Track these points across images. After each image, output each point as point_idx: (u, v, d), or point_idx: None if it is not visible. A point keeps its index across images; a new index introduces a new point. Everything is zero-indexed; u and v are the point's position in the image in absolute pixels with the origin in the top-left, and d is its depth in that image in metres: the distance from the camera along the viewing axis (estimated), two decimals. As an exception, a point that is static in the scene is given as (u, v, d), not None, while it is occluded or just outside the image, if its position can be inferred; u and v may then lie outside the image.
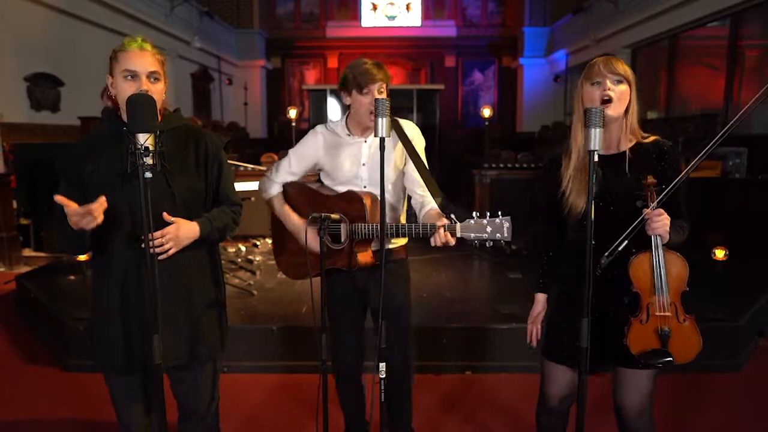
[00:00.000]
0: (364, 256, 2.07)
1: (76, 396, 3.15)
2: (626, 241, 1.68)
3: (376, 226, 1.95)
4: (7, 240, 6.15)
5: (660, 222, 1.61)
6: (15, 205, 6.33)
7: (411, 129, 2.17)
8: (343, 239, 2.06)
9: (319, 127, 2.25)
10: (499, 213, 1.78)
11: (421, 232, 1.90)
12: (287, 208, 2.21)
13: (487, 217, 1.78)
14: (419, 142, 2.15)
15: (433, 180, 1.98)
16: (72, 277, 4.58)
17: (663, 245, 1.66)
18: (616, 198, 1.76)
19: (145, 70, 1.66)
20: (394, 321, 2.15)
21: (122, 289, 1.73)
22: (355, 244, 2.05)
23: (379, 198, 2.01)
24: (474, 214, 1.80)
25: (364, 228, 2.00)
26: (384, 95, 2.07)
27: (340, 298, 2.22)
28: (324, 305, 1.92)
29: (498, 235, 1.77)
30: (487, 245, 1.81)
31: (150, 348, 1.55)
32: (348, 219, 2.05)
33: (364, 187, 2.13)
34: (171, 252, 1.70)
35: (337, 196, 2.12)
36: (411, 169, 2.10)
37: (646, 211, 1.63)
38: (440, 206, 1.95)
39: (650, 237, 1.65)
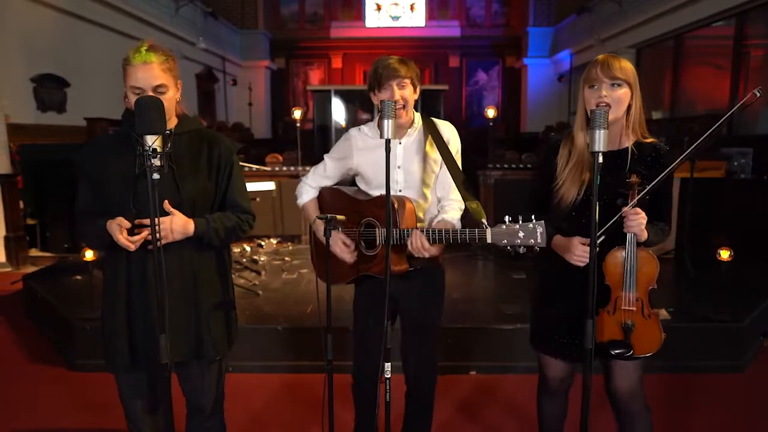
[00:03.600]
0: (398, 263, 1.98)
1: (81, 395, 3.17)
2: (603, 236, 1.74)
3: (409, 231, 1.89)
4: (13, 240, 6.19)
5: (636, 221, 1.66)
6: (22, 205, 6.38)
7: (447, 130, 2.08)
8: (377, 245, 1.99)
9: (353, 130, 2.18)
10: (533, 217, 1.66)
11: (450, 237, 1.82)
12: (315, 215, 2.15)
13: (520, 222, 1.67)
14: (454, 144, 2.06)
15: (468, 186, 1.92)
16: (78, 277, 4.61)
17: (638, 243, 1.71)
18: (606, 193, 1.78)
19: (149, 85, 1.67)
20: (422, 334, 2.14)
21: (127, 287, 1.76)
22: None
23: (413, 202, 2.00)
24: (506, 218, 1.68)
25: (396, 234, 1.90)
26: (406, 92, 1.99)
27: (370, 304, 2.15)
28: (330, 305, 1.92)
29: (531, 240, 1.65)
30: (520, 251, 1.69)
31: (154, 346, 1.57)
32: (381, 224, 1.97)
33: (399, 190, 2.04)
34: (160, 243, 1.69)
35: (370, 201, 2.04)
36: (442, 172, 2.05)
37: (624, 209, 1.68)
38: (473, 212, 1.84)
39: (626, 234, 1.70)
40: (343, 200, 2.15)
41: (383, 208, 1.96)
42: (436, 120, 2.11)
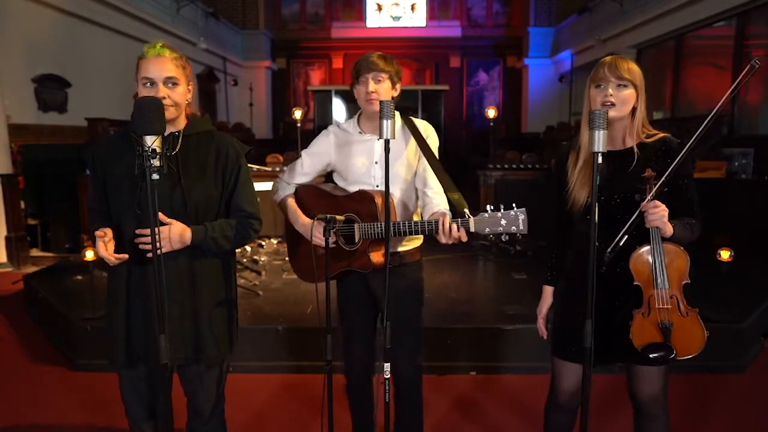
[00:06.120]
0: (378, 257, 2.01)
1: (82, 395, 3.18)
2: (627, 236, 1.69)
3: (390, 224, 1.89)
4: (15, 240, 6.20)
5: (657, 214, 1.62)
6: (23, 205, 6.39)
7: (425, 127, 2.12)
8: (356, 240, 2.01)
9: (331, 127, 2.21)
10: (514, 205, 1.70)
11: (435, 228, 1.82)
12: (297, 210, 2.17)
13: (502, 210, 1.70)
14: (433, 140, 2.10)
15: (449, 178, 1.94)
16: (79, 277, 4.62)
17: (663, 238, 1.66)
18: (617, 193, 1.77)
19: (161, 76, 1.69)
20: (404, 330, 2.13)
21: (127, 290, 1.77)
22: (369, 245, 1.99)
23: (390, 196, 2.00)
24: (488, 207, 1.71)
25: (376, 227, 1.94)
26: (382, 86, 2.01)
27: (353, 301, 2.18)
28: (329, 305, 1.92)
29: (513, 228, 1.69)
30: (503, 239, 1.73)
31: (152, 346, 1.57)
32: (360, 219, 1.99)
33: (377, 186, 2.07)
34: (160, 252, 1.70)
35: (349, 196, 2.07)
36: (422, 168, 2.07)
37: (643, 204, 1.65)
38: (455, 203, 1.87)
39: (650, 230, 1.66)
40: (320, 196, 2.16)
41: (362, 202, 2.00)
42: (414, 119, 2.14)
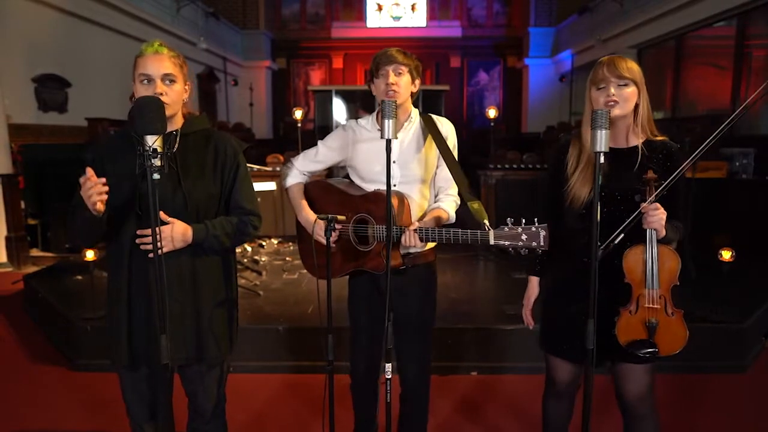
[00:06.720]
0: (391, 258, 1.95)
1: (82, 395, 3.18)
2: (622, 235, 1.70)
3: (404, 228, 1.88)
4: (15, 240, 6.20)
5: (656, 216, 1.63)
6: (23, 205, 6.39)
7: (445, 126, 2.07)
8: (370, 241, 1.98)
9: (351, 122, 2.17)
10: (535, 220, 1.69)
11: (451, 237, 1.82)
12: (303, 202, 2.13)
13: (522, 225, 1.69)
14: (452, 140, 2.06)
15: (466, 182, 1.92)
16: (79, 277, 4.62)
17: (657, 240, 1.68)
18: (617, 191, 1.77)
19: (158, 73, 1.69)
20: (414, 331, 2.13)
21: (129, 288, 1.76)
22: (383, 247, 1.95)
23: (407, 198, 1.99)
24: (508, 221, 1.71)
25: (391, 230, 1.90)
26: (402, 79, 1.98)
27: (363, 301, 2.15)
28: (330, 305, 1.91)
29: (534, 243, 1.68)
30: (522, 253, 1.72)
31: (154, 346, 1.57)
32: (375, 220, 1.96)
33: (395, 185, 2.01)
34: (161, 251, 1.68)
35: (364, 196, 2.02)
36: (440, 169, 2.05)
37: (643, 205, 1.66)
38: (474, 212, 1.84)
39: (646, 231, 1.67)
40: (334, 195, 2.12)
41: (377, 203, 1.96)
42: (434, 116, 2.10)
